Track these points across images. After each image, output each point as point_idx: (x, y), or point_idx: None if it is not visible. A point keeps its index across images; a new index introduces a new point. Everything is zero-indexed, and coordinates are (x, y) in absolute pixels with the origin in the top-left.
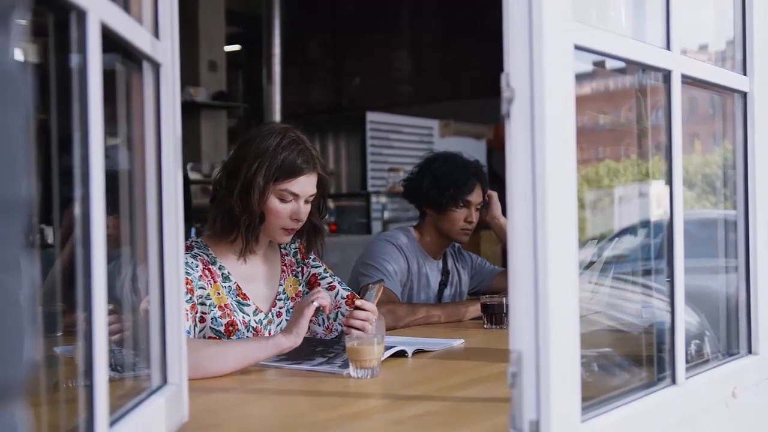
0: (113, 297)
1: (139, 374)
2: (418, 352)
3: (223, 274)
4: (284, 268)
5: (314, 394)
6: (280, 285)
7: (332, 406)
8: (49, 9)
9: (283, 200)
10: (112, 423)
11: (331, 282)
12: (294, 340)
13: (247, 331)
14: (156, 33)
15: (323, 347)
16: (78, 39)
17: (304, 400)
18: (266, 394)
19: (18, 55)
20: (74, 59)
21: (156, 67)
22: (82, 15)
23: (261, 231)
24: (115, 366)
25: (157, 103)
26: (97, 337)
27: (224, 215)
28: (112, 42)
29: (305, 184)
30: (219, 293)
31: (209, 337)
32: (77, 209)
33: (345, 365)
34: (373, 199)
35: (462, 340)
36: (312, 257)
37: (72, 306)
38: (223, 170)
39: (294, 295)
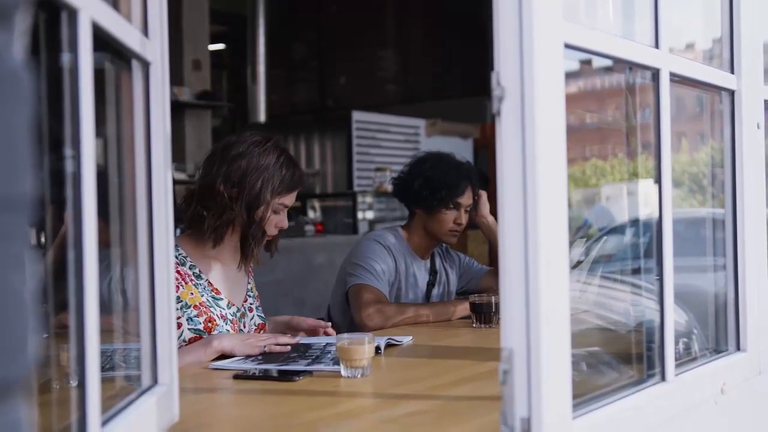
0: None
1: (129, 374)
2: (389, 345)
3: (194, 272)
4: (250, 269)
5: (304, 393)
6: (249, 283)
7: (323, 405)
8: (40, 7)
9: (275, 212)
10: (104, 423)
11: (253, 303)
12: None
13: (225, 324)
14: (145, 31)
15: (308, 348)
16: (69, 38)
17: (295, 400)
18: (256, 394)
19: (20, 53)
20: (65, 58)
21: (146, 65)
22: (73, 14)
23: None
24: (103, 366)
25: (146, 102)
26: (89, 338)
27: (226, 224)
28: (100, 40)
29: (294, 196)
30: (192, 293)
31: (189, 339)
32: (69, 210)
33: (337, 362)
34: (360, 198)
35: (411, 338)
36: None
37: (59, 307)
38: (218, 178)
39: (256, 296)
